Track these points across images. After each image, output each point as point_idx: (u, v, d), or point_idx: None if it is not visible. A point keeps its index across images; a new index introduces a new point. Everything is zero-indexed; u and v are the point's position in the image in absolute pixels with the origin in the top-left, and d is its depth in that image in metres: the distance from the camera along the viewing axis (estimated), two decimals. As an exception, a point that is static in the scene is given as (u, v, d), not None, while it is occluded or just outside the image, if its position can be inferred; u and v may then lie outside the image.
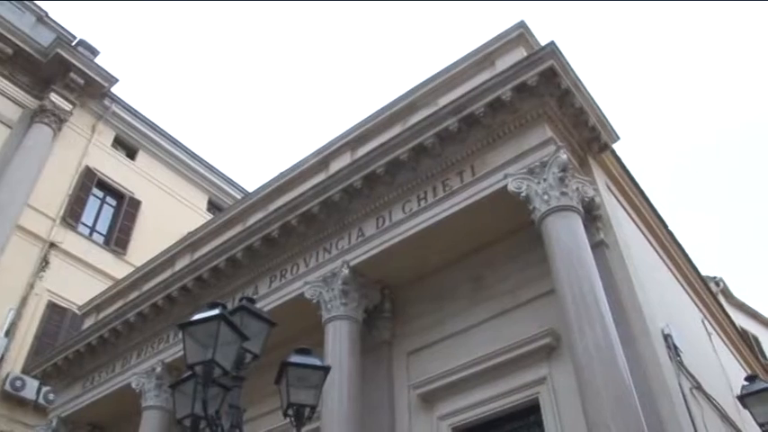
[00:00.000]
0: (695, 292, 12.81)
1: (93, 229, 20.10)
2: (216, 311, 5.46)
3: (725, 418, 10.22)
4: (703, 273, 14.21)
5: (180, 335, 11.16)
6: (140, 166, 22.24)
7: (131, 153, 22.35)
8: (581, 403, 6.85)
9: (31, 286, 17.87)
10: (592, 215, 8.57)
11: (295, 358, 5.69)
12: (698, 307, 12.77)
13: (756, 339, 21.71)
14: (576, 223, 7.95)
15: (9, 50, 19.21)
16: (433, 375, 8.87)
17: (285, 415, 5.65)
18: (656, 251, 11.19)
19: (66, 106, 20.09)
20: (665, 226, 11.58)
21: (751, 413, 8.50)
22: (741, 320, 20.17)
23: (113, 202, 20.97)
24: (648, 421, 6.58)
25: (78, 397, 13.28)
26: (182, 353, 10.76)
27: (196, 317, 5.53)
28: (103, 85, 21.04)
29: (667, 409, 7.25)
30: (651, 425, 6.65)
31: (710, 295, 13.99)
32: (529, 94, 8.68)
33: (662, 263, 11.34)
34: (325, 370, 5.79)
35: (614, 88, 58.82)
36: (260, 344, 5.93)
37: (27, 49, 19.61)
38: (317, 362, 5.79)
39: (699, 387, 9.22)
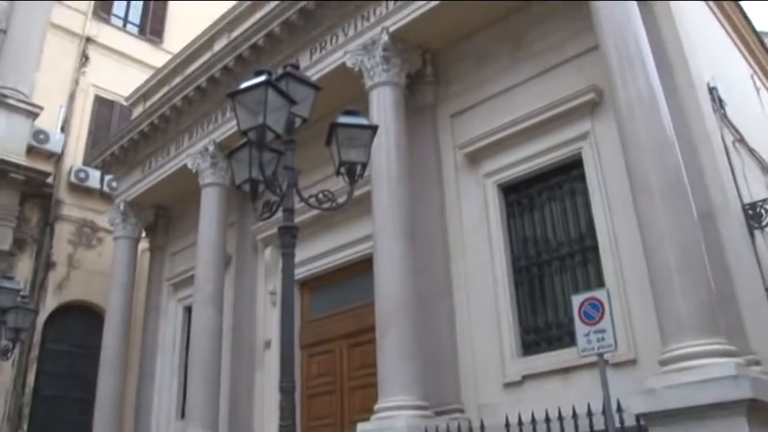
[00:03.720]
0: (747, 46, 12.33)
1: (126, 20, 19.81)
2: (263, 78, 5.58)
3: (766, 170, 10.36)
4: (759, 28, 13.53)
5: (228, 114, 11.63)
6: (162, -51, 21.30)
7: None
8: (623, 155, 7.02)
9: (76, 82, 18.18)
10: (638, -33, 8.11)
11: (343, 119, 5.84)
12: (748, 62, 12.39)
13: (808, 97, 21.10)
14: (621, -25, 7.57)
15: None
16: (478, 135, 9.16)
17: (338, 173, 5.94)
18: (707, 3, 10.65)
19: None
20: (718, -25, 10.87)
21: (793, 161, 8.64)
22: (793, 77, 19.48)
23: (141, -9, 20.47)
24: (688, 171, 6.73)
25: (139, 182, 14.07)
26: (231, 131, 11.35)
27: (244, 85, 5.65)
28: None
29: (708, 160, 7.37)
30: (691, 174, 6.80)
31: (764, 50, 13.45)
32: None
33: (712, 16, 10.82)
34: (373, 128, 5.96)
35: None
36: (308, 108, 6.08)
37: None
38: (364, 121, 5.96)
39: (741, 140, 9.26)
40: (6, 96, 15.81)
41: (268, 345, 11.45)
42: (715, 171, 7.35)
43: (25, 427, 15.06)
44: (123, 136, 14.24)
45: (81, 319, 16.68)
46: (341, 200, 6.12)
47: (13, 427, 14.80)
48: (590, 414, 6.40)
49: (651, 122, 6.75)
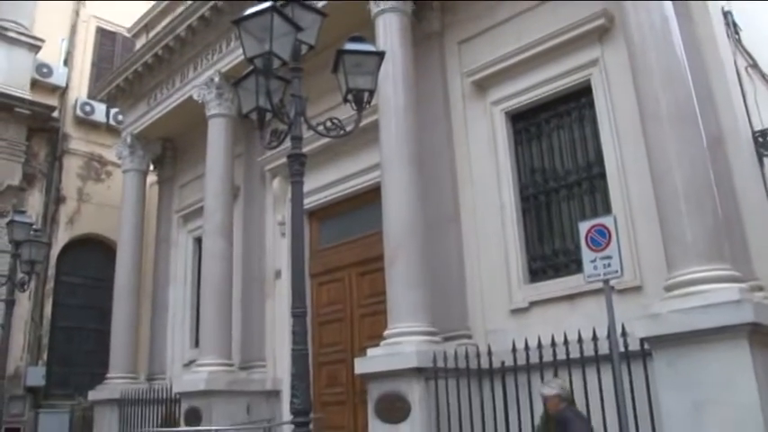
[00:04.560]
0: (764, -32, 11.98)
1: (125, -51, 19.38)
2: (268, 4, 5.50)
3: (778, 96, 10.20)
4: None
5: (232, 44, 11.49)
6: None
7: None
8: (632, 82, 6.92)
9: (77, 14, 17.97)
10: None
11: (350, 45, 5.76)
12: (766, -16, 12.05)
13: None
14: None
15: None
16: (485, 62, 9.04)
17: (345, 101, 5.90)
18: None
19: None
20: None
21: (807, 85, 8.51)
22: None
23: None
24: (699, 97, 6.62)
25: (145, 114, 13.98)
26: (236, 61, 11.27)
27: (249, 11, 5.58)
28: None
29: (719, 87, 7.26)
30: (701, 99, 6.71)
31: (780, -28, 13.01)
32: None
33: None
34: (380, 55, 5.88)
35: None
36: (314, 35, 6.00)
37: None
38: (371, 47, 5.90)
39: (755, 65, 9.08)
40: (6, 29, 15.61)
41: (278, 274, 11.64)
42: (726, 97, 7.27)
43: (45, 356, 15.53)
44: (127, 68, 14.10)
45: (93, 252, 16.97)
46: (349, 128, 6.11)
47: (33, 357, 15.26)
48: (595, 339, 6.57)
49: (663, 48, 6.61)
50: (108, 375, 13.19)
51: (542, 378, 6.86)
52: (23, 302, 14.73)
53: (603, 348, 6.37)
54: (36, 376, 14.99)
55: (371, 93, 5.89)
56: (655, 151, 6.46)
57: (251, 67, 5.78)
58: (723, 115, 7.17)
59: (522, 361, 7.13)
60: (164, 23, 13.53)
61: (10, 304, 11.95)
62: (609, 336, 6.10)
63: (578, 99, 8.48)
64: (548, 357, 6.87)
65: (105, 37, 18.21)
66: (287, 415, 9.16)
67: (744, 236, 6.71)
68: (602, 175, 8.01)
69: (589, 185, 8.26)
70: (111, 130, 17.02)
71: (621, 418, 5.84)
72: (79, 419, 14.94)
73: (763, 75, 9.48)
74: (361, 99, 5.82)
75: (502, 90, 8.96)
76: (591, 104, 8.26)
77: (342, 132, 5.99)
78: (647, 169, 6.63)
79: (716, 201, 6.16)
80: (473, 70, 9.19)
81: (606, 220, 6.33)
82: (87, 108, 17.06)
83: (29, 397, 14.96)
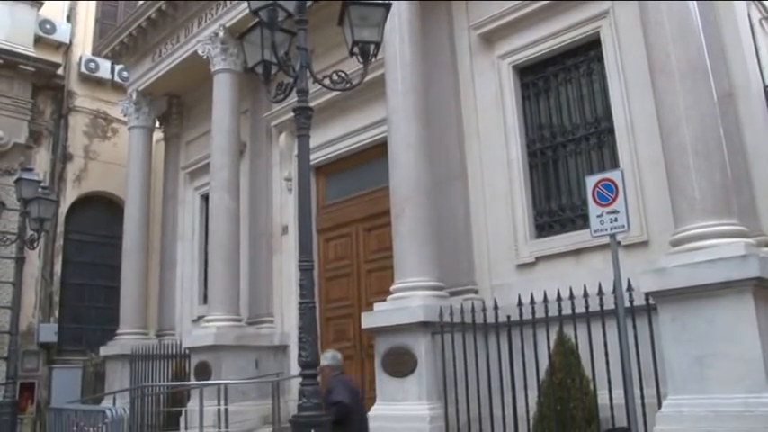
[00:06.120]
0: None
1: None
2: (272, -46, 5.40)
3: (792, 49, 10.00)
4: None
5: (236, -2, 11.30)
6: None
7: None
8: (642, 35, 6.78)
9: (79, -31, 17.72)
10: None
11: (355, -3, 5.70)
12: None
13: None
14: None
15: None
16: (493, 15, 8.88)
17: (351, 53, 5.82)
18: None
19: None
20: None
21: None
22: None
23: None
24: (710, 50, 6.47)
25: (150, 70, 13.87)
26: (240, 15, 11.13)
27: (253, -38, 5.48)
28: None
29: (731, 39, 7.11)
30: (713, 53, 6.56)
31: None
32: None
33: None
34: (387, 6, 5.78)
35: None
36: (320, -14, 5.95)
37: None
38: (377, -1, 5.81)
39: (768, 17, 8.93)
40: (9, -16, 15.44)
41: (285, 230, 11.70)
42: (738, 51, 7.12)
43: (56, 313, 15.75)
44: (131, 24, 13.95)
45: (101, 210, 17.05)
46: (355, 81, 6.04)
47: (45, 314, 15.48)
48: (601, 293, 6.57)
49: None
50: (118, 331, 13.38)
51: (548, 332, 6.90)
52: (33, 260, 14.89)
53: (609, 303, 6.40)
54: (48, 333, 15.24)
55: (378, 45, 5.80)
56: (664, 106, 6.33)
57: (256, 20, 5.71)
58: (735, 69, 7.03)
59: (527, 315, 7.15)
60: (166, -22, 13.34)
61: (20, 262, 12.08)
62: (614, 291, 6.13)
63: (587, 52, 8.35)
64: (553, 312, 6.90)
65: (108, -8, 18.02)
66: (295, 369, 9.33)
67: (752, 191, 6.66)
68: (611, 130, 7.93)
69: (597, 140, 8.18)
70: (117, 86, 16.94)
71: (626, 373, 5.90)
72: (91, 374, 15.22)
73: (775, 23, 9.29)
74: (367, 52, 5.73)
75: (509, 43, 8.83)
76: (600, 58, 8.14)
77: (348, 86, 5.92)
78: (656, 124, 6.52)
79: (725, 156, 6.06)
80: (480, 23, 9.05)
81: (613, 175, 6.29)
82: (92, 65, 16.95)
83: (42, 353, 15.24)
